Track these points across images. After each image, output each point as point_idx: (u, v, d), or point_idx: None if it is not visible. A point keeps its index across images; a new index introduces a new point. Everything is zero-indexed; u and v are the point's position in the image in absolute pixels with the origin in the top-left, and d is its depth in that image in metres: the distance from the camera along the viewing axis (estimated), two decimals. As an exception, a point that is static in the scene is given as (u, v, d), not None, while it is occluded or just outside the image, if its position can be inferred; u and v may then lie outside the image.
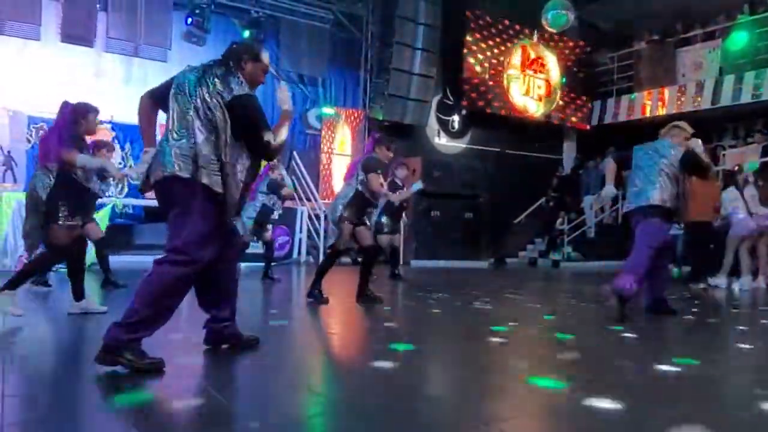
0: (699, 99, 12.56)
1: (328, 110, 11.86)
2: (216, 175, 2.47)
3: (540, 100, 13.90)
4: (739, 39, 12.40)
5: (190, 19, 10.33)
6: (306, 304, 4.90)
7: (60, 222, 3.83)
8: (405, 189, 6.85)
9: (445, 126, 13.15)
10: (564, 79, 14.23)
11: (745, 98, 11.93)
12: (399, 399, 2.12)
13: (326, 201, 10.31)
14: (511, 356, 3.13)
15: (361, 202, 4.86)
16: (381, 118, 12.23)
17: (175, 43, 10.33)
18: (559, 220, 12.11)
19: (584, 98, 14.55)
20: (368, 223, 5.16)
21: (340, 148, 12.11)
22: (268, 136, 2.58)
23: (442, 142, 13.16)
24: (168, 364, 2.40)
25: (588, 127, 14.51)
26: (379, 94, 12.26)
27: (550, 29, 12.28)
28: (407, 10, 11.78)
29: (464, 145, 13.43)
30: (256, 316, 4.24)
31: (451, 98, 13.02)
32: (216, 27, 10.73)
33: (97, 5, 9.75)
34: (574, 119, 14.36)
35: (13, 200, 7.50)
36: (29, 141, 8.77)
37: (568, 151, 14.68)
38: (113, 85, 9.85)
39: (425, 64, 12.13)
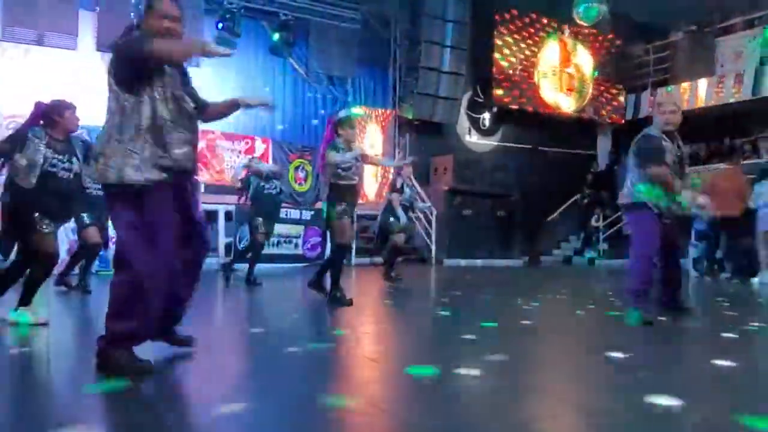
0: (739, 90, 12.11)
1: (357, 110, 11.85)
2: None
3: (571, 95, 13.63)
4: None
5: (221, 24, 10.49)
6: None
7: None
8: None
9: (475, 123, 13.06)
10: (596, 73, 13.96)
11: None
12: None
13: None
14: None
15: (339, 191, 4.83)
16: (411, 116, 12.25)
17: None
18: (594, 217, 11.86)
19: (616, 91, 14.28)
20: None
21: (370, 148, 12.07)
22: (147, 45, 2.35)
23: (472, 140, 13.07)
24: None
25: (623, 121, 14.18)
26: (408, 93, 12.27)
27: (581, 22, 12.03)
28: (435, 8, 11.76)
29: (495, 143, 13.31)
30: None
31: (481, 96, 12.93)
32: (246, 31, 10.88)
33: (132, 14, 9.95)
34: (604, 113, 14.04)
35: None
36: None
37: (603, 147, 14.37)
38: None
39: (454, 61, 12.08)
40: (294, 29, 11.25)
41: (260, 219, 6.72)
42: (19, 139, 3.73)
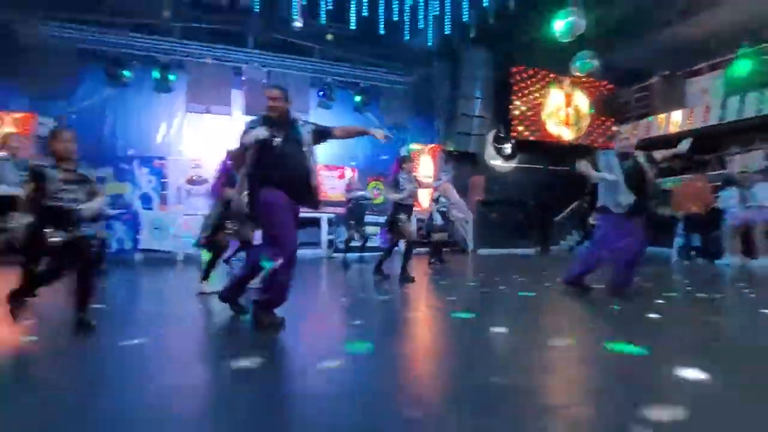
0: (707, 117, 12.17)
1: (413, 146, 12.79)
2: None
3: (571, 128, 14.08)
4: (742, 66, 11.91)
5: (321, 92, 11.58)
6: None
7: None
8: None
9: (499, 152, 13.77)
10: (592, 110, 14.27)
11: (749, 113, 11.43)
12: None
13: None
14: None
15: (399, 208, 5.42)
16: (452, 149, 13.10)
17: (312, 109, 11.39)
18: (591, 217, 12.15)
19: (609, 123, 14.49)
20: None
21: (424, 172, 12.93)
22: None
23: (497, 163, 13.80)
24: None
25: (614, 146, 14.29)
26: (449, 133, 13.08)
27: (578, 74, 12.47)
28: (467, 71, 12.53)
29: (514, 165, 13.97)
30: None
31: (503, 132, 13.61)
32: (338, 96, 11.85)
33: (264, 89, 11.21)
34: (601, 140, 14.30)
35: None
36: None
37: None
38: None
39: (483, 108, 12.79)
40: (369, 93, 12.19)
41: (353, 222, 7.79)
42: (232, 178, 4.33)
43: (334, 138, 3.23)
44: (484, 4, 11.28)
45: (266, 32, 11.07)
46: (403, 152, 12.86)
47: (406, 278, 5.24)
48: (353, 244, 8.38)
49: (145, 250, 9.36)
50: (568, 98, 14.20)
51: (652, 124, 13.39)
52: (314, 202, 3.02)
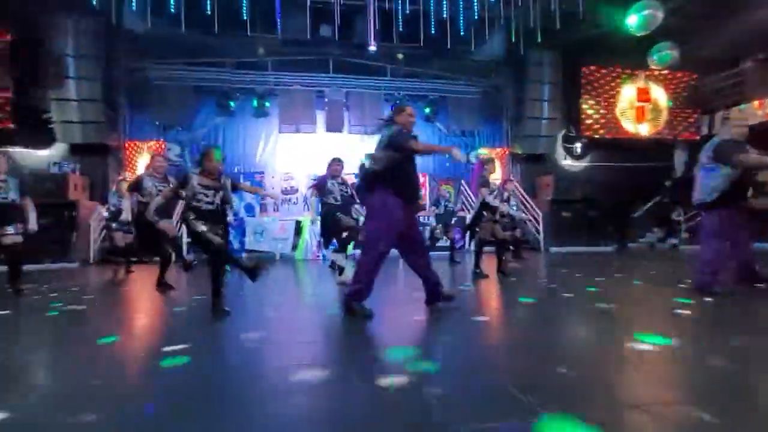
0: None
1: (482, 150, 12.03)
2: None
3: (648, 123, 12.18)
4: None
5: (393, 107, 11.16)
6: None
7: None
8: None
9: (569, 151, 12.30)
10: (671, 102, 12.26)
11: None
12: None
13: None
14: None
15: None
16: (520, 152, 11.96)
17: None
18: (675, 212, 10.36)
19: (691, 112, 12.30)
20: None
21: (492, 175, 12.10)
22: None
23: (567, 163, 12.32)
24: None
25: (698, 137, 12.19)
26: (517, 136, 11.99)
27: (657, 67, 10.80)
28: (534, 75, 11.42)
29: (585, 164, 12.35)
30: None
31: (573, 131, 12.16)
32: None
33: (343, 109, 11.17)
34: (681, 129, 12.18)
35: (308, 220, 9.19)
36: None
37: (679, 160, 12.48)
38: (355, 153, 10.16)
39: (551, 110, 11.55)
40: (437, 104, 11.62)
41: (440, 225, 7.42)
42: (322, 185, 4.76)
43: (417, 153, 3.05)
44: (551, 8, 10.31)
45: (344, 57, 11.00)
46: (472, 157, 12.22)
47: (476, 274, 4.90)
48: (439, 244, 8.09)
49: (249, 250, 9.57)
50: (644, 93, 12.20)
51: (745, 112, 11.11)
52: (419, 206, 3.14)
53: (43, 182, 8.49)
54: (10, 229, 4.10)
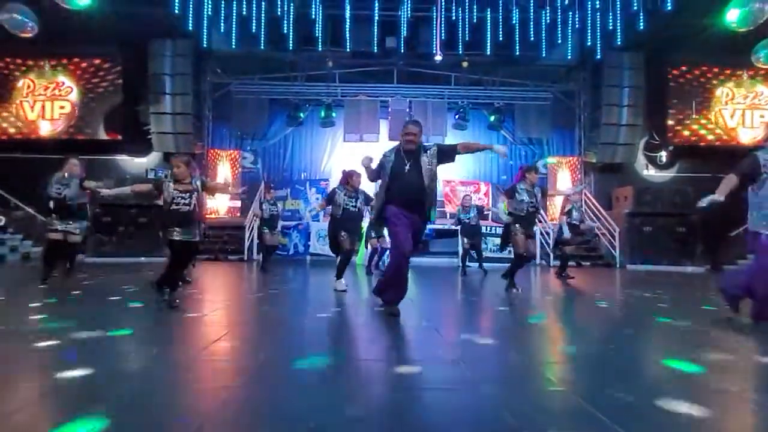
0: None
1: (551, 159, 11.45)
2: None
3: (751, 127, 10.72)
4: None
5: (457, 115, 11.06)
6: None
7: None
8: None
9: (652, 160, 11.22)
10: (783, 106, 10.69)
11: None
12: None
13: (553, 222, 9.88)
14: None
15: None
16: (594, 161, 11.14)
17: (448, 131, 11.07)
18: (788, 232, 8.91)
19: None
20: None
21: (562, 185, 11.47)
22: None
23: (650, 173, 11.23)
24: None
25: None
26: (591, 143, 11.19)
27: (763, 66, 9.54)
28: (612, 79, 10.58)
29: (673, 174, 11.17)
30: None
31: (657, 138, 11.08)
32: (472, 116, 11.28)
33: (407, 118, 11.43)
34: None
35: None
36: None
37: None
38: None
39: (632, 116, 10.59)
40: (503, 111, 11.29)
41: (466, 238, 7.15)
42: (332, 194, 4.65)
43: (458, 153, 3.20)
44: (633, 8, 9.60)
45: (408, 67, 11.14)
46: (540, 166, 11.66)
47: (512, 284, 4.69)
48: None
49: (313, 254, 10.01)
50: (746, 95, 10.93)
51: None
52: (425, 216, 3.12)
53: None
54: (75, 230, 4.62)
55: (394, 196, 3.09)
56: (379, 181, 3.34)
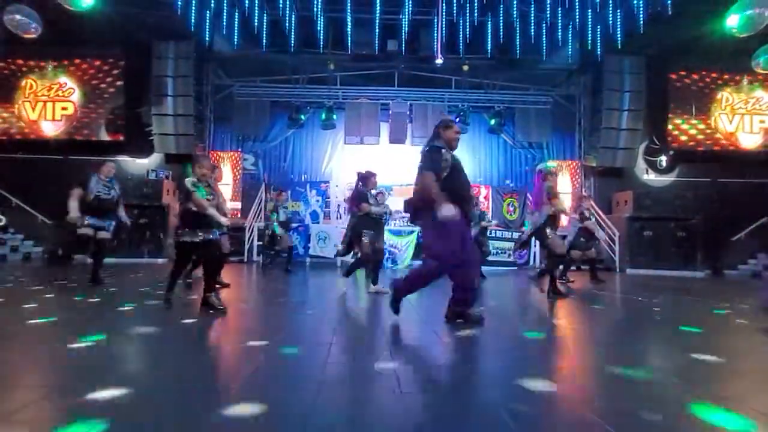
0: None
1: (550, 163, 11.40)
2: None
3: (751, 132, 10.71)
4: None
5: (457, 118, 10.89)
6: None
7: None
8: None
9: (652, 165, 11.16)
10: (782, 111, 10.68)
11: None
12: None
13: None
14: None
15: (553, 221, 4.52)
16: (594, 165, 11.11)
17: None
18: (788, 237, 8.93)
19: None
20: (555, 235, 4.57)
21: (562, 189, 11.43)
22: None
23: (650, 177, 11.18)
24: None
25: None
26: (591, 148, 11.19)
27: (763, 71, 9.51)
28: (613, 83, 10.61)
29: (673, 179, 11.12)
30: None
31: (657, 143, 11.05)
32: (473, 120, 11.26)
33: (407, 121, 11.19)
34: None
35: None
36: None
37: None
38: (415, 163, 11.29)
39: (632, 121, 10.59)
40: (503, 115, 11.24)
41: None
42: (361, 196, 4.67)
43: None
44: (634, 13, 9.61)
45: (409, 71, 11.15)
46: (541, 168, 11.60)
47: (556, 292, 4.53)
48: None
49: (313, 255, 9.95)
50: (747, 100, 10.92)
51: None
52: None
53: (141, 187, 9.66)
54: (106, 227, 4.73)
55: (457, 196, 2.80)
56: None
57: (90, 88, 10.71)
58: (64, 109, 10.67)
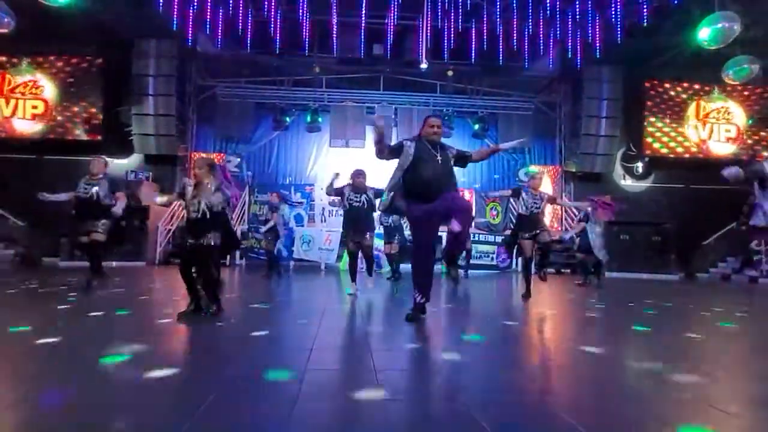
0: None
1: (533, 168, 11.62)
2: None
3: (723, 142, 11.15)
4: None
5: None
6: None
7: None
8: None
9: (629, 171, 11.51)
10: (751, 120, 11.15)
11: None
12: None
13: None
14: None
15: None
16: (574, 170, 11.41)
17: None
18: (755, 242, 9.27)
19: (775, 134, 11.08)
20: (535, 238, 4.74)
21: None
22: None
23: (627, 183, 11.52)
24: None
25: (782, 158, 10.91)
26: (571, 153, 11.46)
27: (732, 82, 9.91)
28: (592, 92, 10.88)
29: (648, 185, 11.47)
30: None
31: (633, 150, 11.40)
32: (457, 124, 11.35)
33: (392, 125, 11.26)
34: (760, 149, 11.01)
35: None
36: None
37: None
38: None
39: (610, 127, 10.87)
40: (486, 120, 11.38)
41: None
42: (340, 192, 4.65)
43: (472, 161, 3.27)
44: (612, 24, 9.89)
45: (394, 75, 11.15)
46: (522, 174, 11.84)
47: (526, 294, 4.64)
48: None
49: (297, 259, 9.83)
50: (718, 110, 11.35)
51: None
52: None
53: (119, 189, 9.35)
54: (98, 228, 4.40)
55: (417, 183, 2.97)
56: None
57: (66, 85, 10.36)
58: (34, 107, 10.28)
